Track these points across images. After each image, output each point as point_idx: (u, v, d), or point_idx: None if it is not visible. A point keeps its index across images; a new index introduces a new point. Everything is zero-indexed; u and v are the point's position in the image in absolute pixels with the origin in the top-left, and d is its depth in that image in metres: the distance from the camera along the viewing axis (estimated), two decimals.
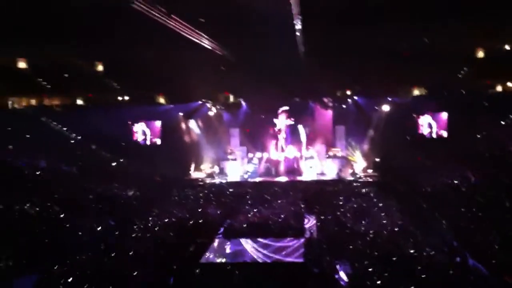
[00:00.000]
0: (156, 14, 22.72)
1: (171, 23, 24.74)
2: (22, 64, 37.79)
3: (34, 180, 24.69)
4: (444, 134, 34.01)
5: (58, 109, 37.59)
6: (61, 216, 20.77)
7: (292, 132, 36.90)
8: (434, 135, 34.30)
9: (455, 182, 24.66)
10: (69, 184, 25.51)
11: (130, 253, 16.88)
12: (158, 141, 36.33)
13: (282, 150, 36.51)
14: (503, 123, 31.28)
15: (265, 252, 18.36)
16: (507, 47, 36.07)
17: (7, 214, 19.53)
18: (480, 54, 36.80)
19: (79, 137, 34.08)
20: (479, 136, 31.09)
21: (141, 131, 36.22)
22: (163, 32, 26.33)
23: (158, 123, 36.42)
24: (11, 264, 15.45)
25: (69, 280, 14.27)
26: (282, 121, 36.93)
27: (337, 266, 15.84)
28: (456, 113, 32.94)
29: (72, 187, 25.15)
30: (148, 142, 36.22)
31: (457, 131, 32.19)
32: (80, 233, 19.35)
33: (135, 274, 14.98)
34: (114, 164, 32.41)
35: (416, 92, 38.20)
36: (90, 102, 39.28)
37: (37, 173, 26.07)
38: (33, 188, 23.42)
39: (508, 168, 23.30)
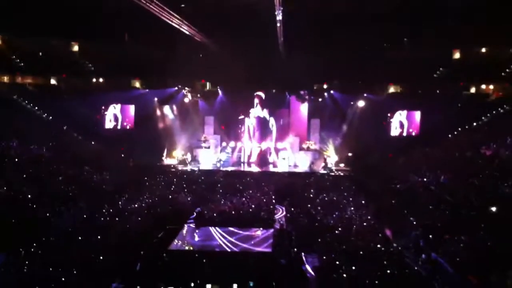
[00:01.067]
0: None
1: (152, 7, 24.45)
2: None
3: (2, 159, 24.20)
4: (416, 133, 34.37)
5: (31, 88, 36.93)
6: (29, 197, 20.42)
7: (264, 123, 36.89)
8: (405, 134, 34.62)
9: (425, 180, 24.96)
10: (39, 165, 25.10)
11: (98, 237, 16.69)
12: (131, 126, 35.87)
13: (256, 139, 36.54)
14: (475, 124, 31.77)
15: (233, 241, 18.36)
16: (482, 50, 36.62)
17: None
18: (456, 55, 37.31)
19: (51, 118, 33.43)
20: (450, 136, 31.52)
21: (113, 116, 35.67)
22: (143, 15, 26.06)
23: (131, 108, 35.95)
24: None
25: (34, 262, 14.05)
26: (255, 111, 36.91)
27: (305, 258, 15.93)
28: (429, 113, 33.28)
29: (42, 168, 24.77)
30: (119, 127, 35.66)
31: (429, 131, 32.54)
32: (47, 215, 19.05)
33: (101, 258, 14.84)
34: (86, 147, 31.93)
35: (391, 89, 38.57)
36: (64, 82, 38.64)
37: (7, 152, 25.58)
38: (1, 167, 23.02)
39: (477, 169, 23.65)
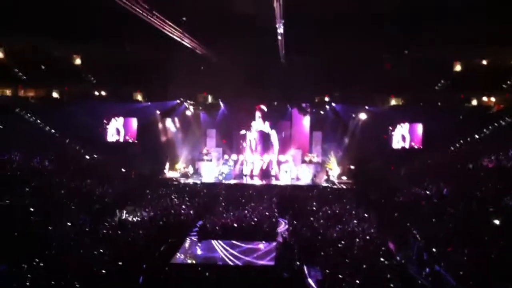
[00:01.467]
0: (138, 10, 22.49)
1: (153, 20, 24.54)
2: None
3: (5, 172, 24.26)
4: (418, 145, 34.35)
5: (33, 101, 37.08)
6: (31, 209, 20.43)
7: (266, 136, 36.91)
8: (407, 146, 34.60)
9: (428, 192, 24.93)
10: (42, 178, 25.14)
11: (100, 250, 16.66)
12: (133, 139, 35.90)
13: (258, 152, 36.52)
14: (476, 136, 31.77)
15: (236, 254, 18.33)
16: (483, 62, 36.71)
17: None
18: (457, 68, 37.40)
19: (53, 131, 33.53)
20: (452, 148, 31.52)
21: (115, 128, 35.74)
22: (145, 28, 26.15)
23: (134, 121, 36.01)
24: None
25: (36, 275, 14.03)
26: (257, 124, 36.93)
27: (308, 271, 15.88)
28: (431, 125, 33.29)
29: (44, 181, 24.80)
30: (121, 140, 35.73)
31: (431, 143, 32.54)
32: (50, 227, 19.04)
33: (104, 272, 14.81)
34: (88, 159, 31.99)
35: (393, 102, 38.65)
36: (66, 95, 38.81)
37: (10, 165, 25.66)
38: (4, 180, 23.06)
39: (479, 181, 23.64)
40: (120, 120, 35.80)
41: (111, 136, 35.65)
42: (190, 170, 35.21)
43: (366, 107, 35.94)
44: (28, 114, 34.21)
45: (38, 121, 34.03)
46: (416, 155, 32.62)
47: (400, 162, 32.24)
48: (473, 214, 20.03)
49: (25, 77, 36.99)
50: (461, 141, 31.97)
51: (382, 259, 16.14)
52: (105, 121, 35.51)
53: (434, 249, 16.87)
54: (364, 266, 15.27)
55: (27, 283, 13.56)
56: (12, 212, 19.78)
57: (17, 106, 34.71)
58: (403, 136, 34.80)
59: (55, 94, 39.15)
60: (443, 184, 24.81)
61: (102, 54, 37.33)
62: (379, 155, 33.25)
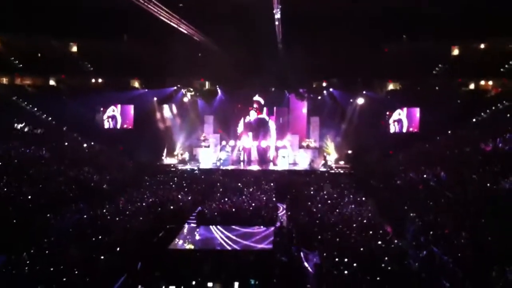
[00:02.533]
0: None
1: (150, 6, 24.46)
2: None
3: (3, 161, 24.23)
4: (415, 130, 34.35)
5: (30, 89, 36.99)
6: (29, 198, 20.44)
7: (263, 122, 36.92)
8: (404, 131, 34.62)
9: (425, 176, 24.95)
10: (39, 166, 25.12)
11: (98, 238, 16.68)
12: (130, 126, 35.85)
13: (255, 138, 36.56)
14: (474, 120, 31.75)
15: (234, 239, 18.38)
16: (481, 46, 36.64)
17: None
18: (455, 52, 37.35)
19: (50, 119, 33.47)
20: (449, 132, 31.51)
21: (112, 116, 35.69)
22: (142, 15, 26.09)
23: (131, 108, 35.93)
24: None
25: (36, 263, 14.05)
26: (254, 112, 36.97)
27: (305, 255, 15.94)
28: (428, 109, 33.27)
29: (42, 169, 24.78)
30: (118, 127, 35.69)
31: (429, 127, 32.53)
32: (48, 215, 19.05)
33: (102, 258, 14.84)
34: (85, 147, 31.96)
35: (390, 86, 38.65)
36: (62, 83, 38.74)
37: (7, 153, 25.62)
38: (3, 169, 23.04)
39: (477, 165, 23.64)
40: (117, 107, 35.73)
41: (108, 122, 35.57)
42: (188, 156, 35.26)
43: (364, 92, 35.90)
44: (25, 103, 34.07)
45: (35, 109, 33.89)
46: (414, 139, 32.61)
47: (398, 146, 32.23)
48: (470, 197, 20.06)
49: (21, 66, 36.83)
50: (459, 125, 31.89)
51: (379, 243, 16.18)
52: (101, 108, 35.41)
53: (431, 232, 16.92)
54: (362, 249, 15.32)
55: (27, 273, 13.55)
56: (10, 201, 19.76)
57: (14, 94, 34.59)
58: (401, 120, 34.78)
59: (51, 82, 39.09)
60: (440, 168, 24.82)
61: (99, 42, 37.26)
62: (377, 140, 33.27)
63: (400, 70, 36.44)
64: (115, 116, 35.81)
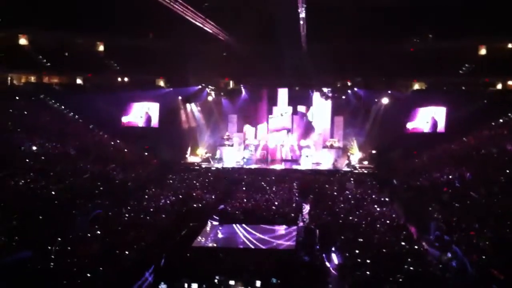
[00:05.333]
0: None
1: (176, 6, 24.62)
2: (23, 41, 37.87)
3: (30, 158, 24.66)
4: (441, 129, 33.93)
5: (57, 88, 37.55)
6: (53, 193, 20.79)
7: (288, 121, 36.89)
8: (430, 130, 34.22)
9: (450, 177, 24.71)
10: (66, 164, 25.50)
11: (123, 234, 16.91)
12: (156, 124, 36.12)
13: (280, 137, 36.53)
14: (501, 121, 31.28)
15: (257, 238, 18.40)
16: (509, 45, 36.13)
17: (2, 191, 19.56)
18: (482, 51, 36.88)
19: (77, 117, 33.93)
20: (476, 132, 31.08)
21: (138, 114, 35.96)
22: (167, 15, 26.29)
23: (156, 106, 36.16)
24: (5, 240, 15.47)
25: (61, 259, 14.30)
26: (278, 109, 36.92)
27: (328, 255, 15.92)
28: (455, 109, 32.84)
29: (68, 166, 25.15)
30: (144, 125, 35.97)
31: (455, 127, 32.13)
32: (74, 212, 19.35)
33: (126, 254, 15.04)
34: (111, 145, 32.32)
35: (416, 86, 38.31)
36: (89, 82, 39.30)
37: (34, 150, 26.05)
38: (29, 166, 23.45)
39: (503, 166, 23.34)
40: (143, 105, 35.98)
41: (134, 120, 35.87)
42: (212, 155, 35.40)
43: (389, 92, 35.61)
44: (52, 101, 34.59)
45: (62, 107, 34.39)
46: (439, 139, 32.25)
47: (423, 147, 31.91)
48: (496, 198, 19.83)
49: (49, 64, 37.41)
50: (485, 125, 31.43)
51: (403, 244, 16.10)
52: (127, 107, 35.74)
53: (455, 234, 16.77)
54: (385, 250, 15.26)
55: (52, 268, 13.80)
56: (36, 197, 20.12)
57: (41, 92, 35.14)
58: (426, 119, 34.37)
59: (78, 81, 39.67)
60: (466, 169, 24.56)
61: (125, 41, 37.71)
62: (401, 139, 33.01)
63: (425, 70, 36.12)
64: (140, 113, 35.97)
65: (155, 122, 36.04)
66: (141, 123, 35.91)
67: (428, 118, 34.18)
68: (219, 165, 33.73)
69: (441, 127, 33.92)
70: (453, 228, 17.43)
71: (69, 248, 15.24)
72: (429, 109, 34.21)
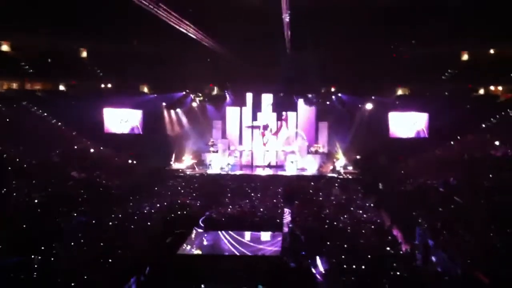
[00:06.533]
0: (144, 2, 22.49)
1: (159, 12, 24.52)
2: (5, 47, 37.51)
3: (12, 165, 24.40)
4: (425, 134, 34.20)
5: (39, 94, 37.25)
6: (36, 201, 20.60)
7: (272, 127, 36.92)
8: (413, 135, 34.47)
9: (434, 182, 24.87)
10: (48, 170, 25.27)
11: (107, 242, 16.74)
12: (140, 131, 35.95)
13: (264, 143, 36.52)
14: (484, 126, 31.60)
15: (242, 244, 18.35)
16: (491, 51, 36.53)
17: None
18: (465, 57, 37.26)
19: (60, 124, 33.66)
20: (459, 137, 31.37)
21: (121, 120, 35.75)
22: (151, 21, 26.17)
23: (140, 112, 36.01)
24: None
25: (46, 267, 14.13)
26: (266, 115, 36.92)
27: (314, 261, 15.87)
28: (438, 114, 33.13)
29: (51, 173, 24.92)
30: (127, 131, 35.78)
31: (438, 132, 32.40)
32: (57, 219, 19.14)
33: (110, 262, 14.88)
34: (95, 152, 32.10)
35: (399, 91, 38.58)
36: (72, 88, 39.02)
37: (17, 159, 25.79)
38: (12, 174, 23.19)
39: (487, 171, 23.55)
40: (126, 112, 35.80)
41: (117, 127, 35.65)
42: (196, 161, 35.30)
43: (373, 97, 35.81)
44: (35, 108, 34.28)
45: (45, 114, 34.10)
46: (423, 145, 32.48)
47: (407, 151, 32.11)
48: (480, 202, 19.98)
49: (31, 71, 37.10)
50: (468, 130, 31.73)
51: (388, 248, 16.13)
52: (111, 113, 35.52)
53: (440, 237, 16.84)
54: (370, 256, 15.26)
55: (39, 274, 13.63)
56: (19, 205, 19.91)
57: (24, 99, 34.82)
58: (410, 124, 34.62)
59: (61, 87, 39.39)
60: (449, 173, 24.74)
61: (109, 47, 37.51)
62: (386, 144, 33.20)
63: (409, 75, 36.39)
64: (124, 121, 35.77)
65: (139, 128, 35.88)
66: (124, 129, 35.67)
67: (412, 123, 34.45)
68: (204, 172, 33.57)
69: (425, 132, 34.18)
70: (438, 232, 17.51)
71: (52, 257, 15.03)
72: (412, 114, 34.47)
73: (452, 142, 31.11)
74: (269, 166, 35.81)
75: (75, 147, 31.68)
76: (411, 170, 29.13)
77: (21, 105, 33.88)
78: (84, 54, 40.09)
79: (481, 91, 37.31)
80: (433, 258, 15.58)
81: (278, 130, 36.82)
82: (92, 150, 32.22)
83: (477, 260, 14.41)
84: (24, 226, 17.79)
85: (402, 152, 32.19)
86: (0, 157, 25.03)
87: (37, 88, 38.60)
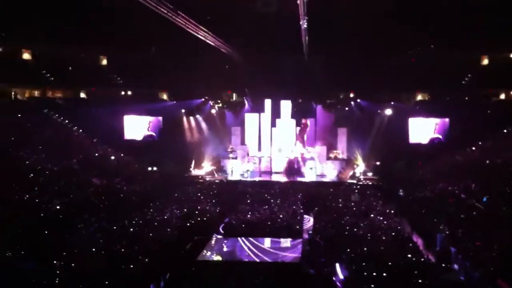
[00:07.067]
0: (163, 10, 22.69)
1: (178, 20, 24.71)
2: (26, 56, 38.08)
3: (34, 172, 24.71)
4: (445, 140, 33.88)
5: (60, 102, 37.70)
6: (58, 208, 20.81)
7: (290, 133, 36.84)
8: (434, 141, 34.18)
9: (455, 188, 24.62)
10: (70, 178, 25.54)
11: (127, 248, 16.85)
12: (159, 137, 36.17)
13: (283, 149, 36.41)
14: (505, 131, 31.21)
15: (262, 251, 18.34)
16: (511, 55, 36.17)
17: (7, 205, 19.56)
18: (485, 62, 36.92)
19: (81, 131, 34.02)
20: (480, 143, 30.99)
21: (141, 127, 36.03)
22: (170, 28, 26.39)
23: (159, 119, 36.24)
24: (10, 253, 15.47)
25: (65, 273, 14.25)
26: (282, 121, 36.85)
27: (334, 268, 15.82)
28: (458, 120, 32.81)
29: (72, 181, 25.18)
30: (148, 139, 36.04)
31: (458, 138, 32.07)
32: (78, 226, 19.33)
33: (130, 268, 14.97)
34: (114, 159, 32.35)
35: (419, 97, 38.34)
36: (92, 95, 39.47)
37: (39, 166, 26.09)
38: (33, 180, 23.48)
39: (508, 177, 23.26)
40: (146, 119, 36.06)
41: (137, 133, 35.92)
42: (216, 168, 35.30)
43: (392, 103, 35.60)
44: (56, 115, 34.68)
45: (66, 121, 34.48)
46: (443, 150, 32.18)
47: (426, 157, 31.83)
48: (502, 209, 19.76)
49: (52, 78, 37.59)
50: (489, 136, 31.34)
51: (409, 255, 16.01)
52: (130, 120, 35.81)
53: (462, 245, 16.67)
54: (390, 263, 15.16)
55: (60, 280, 13.77)
56: (40, 211, 20.14)
57: (45, 106, 35.26)
58: (429, 130, 34.33)
59: (82, 95, 39.86)
60: (470, 180, 24.48)
61: (128, 54, 37.94)
62: (405, 150, 32.97)
63: (428, 81, 36.15)
64: (144, 127, 36.05)
65: (157, 135, 36.11)
66: (143, 136, 35.95)
67: (432, 129, 34.15)
68: (223, 178, 33.60)
69: (444, 138, 33.88)
70: (459, 240, 17.34)
71: (73, 262, 15.15)
72: (432, 119, 34.19)
73: (473, 148, 30.74)
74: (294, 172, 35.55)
75: (96, 154, 31.89)
76: (431, 176, 28.85)
77: (43, 113, 34.26)
78: (104, 61, 40.57)
79: (502, 96, 36.89)
80: (455, 266, 15.41)
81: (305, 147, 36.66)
82: (112, 157, 32.41)
83: (499, 268, 14.24)
84: (46, 232, 17.99)
85: (422, 158, 31.90)
86: (22, 164, 25.39)
87: (58, 96, 39.06)
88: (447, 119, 33.85)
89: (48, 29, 34.70)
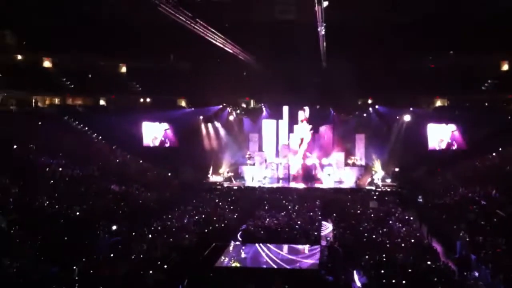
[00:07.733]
0: (182, 18, 22.88)
1: (196, 27, 24.89)
2: (47, 63, 38.64)
3: (54, 179, 24.98)
4: (464, 146, 33.61)
5: (80, 109, 38.14)
6: (78, 214, 21.01)
7: (309, 140, 36.73)
8: (453, 147, 33.93)
9: (475, 195, 24.37)
10: (89, 184, 25.76)
11: (146, 254, 16.95)
12: (177, 144, 36.40)
13: (301, 155, 36.32)
14: None
15: (280, 258, 18.28)
16: None
17: (28, 212, 19.79)
18: (505, 67, 36.60)
19: (100, 138, 34.36)
20: (500, 149, 30.63)
21: (159, 134, 36.32)
22: (188, 36, 26.60)
23: (178, 126, 36.48)
24: (31, 258, 15.65)
25: (84, 278, 14.38)
26: (303, 128, 36.72)
27: (352, 275, 15.74)
28: (477, 126, 32.49)
29: (92, 187, 25.40)
30: (166, 145, 36.33)
31: (477, 144, 31.76)
32: (98, 232, 19.49)
33: (149, 275, 15.05)
34: (133, 166, 32.60)
35: (438, 103, 38.08)
36: (112, 103, 39.89)
37: (57, 171, 26.37)
38: (53, 187, 23.73)
39: None
40: (164, 126, 36.33)
41: (156, 140, 36.20)
42: (234, 174, 35.38)
43: (411, 109, 35.39)
44: (76, 122, 35.07)
45: (86, 128, 34.84)
46: (463, 156, 31.90)
47: (446, 163, 31.58)
48: None
49: (72, 86, 38.07)
50: (509, 142, 30.97)
51: (428, 262, 15.87)
52: (149, 127, 36.10)
53: (482, 252, 16.49)
54: (410, 270, 15.05)
55: (75, 286, 13.89)
56: (60, 217, 20.34)
57: (65, 114, 35.68)
58: (448, 136, 34.07)
59: (102, 102, 40.29)
60: (491, 186, 24.21)
61: (147, 62, 38.33)
62: (424, 156, 32.74)
63: (447, 86, 35.92)
64: (162, 134, 36.35)
65: (175, 142, 36.34)
66: (161, 143, 36.21)
67: (451, 135, 33.88)
68: (241, 184, 33.64)
69: (463, 144, 33.60)
70: (479, 247, 17.15)
71: (92, 269, 15.28)
72: (451, 126, 33.93)
73: (493, 154, 30.41)
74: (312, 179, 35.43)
75: (116, 160, 32.19)
76: (451, 182, 28.59)
77: (63, 120, 34.67)
78: (124, 69, 41.00)
79: None
80: (476, 273, 15.24)
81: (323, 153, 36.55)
82: (131, 164, 32.66)
83: None
84: (66, 238, 18.17)
85: (441, 164, 31.65)
86: (43, 171, 25.69)
87: (77, 103, 39.54)
88: (466, 125, 33.56)
89: (68, 37, 35.17)
